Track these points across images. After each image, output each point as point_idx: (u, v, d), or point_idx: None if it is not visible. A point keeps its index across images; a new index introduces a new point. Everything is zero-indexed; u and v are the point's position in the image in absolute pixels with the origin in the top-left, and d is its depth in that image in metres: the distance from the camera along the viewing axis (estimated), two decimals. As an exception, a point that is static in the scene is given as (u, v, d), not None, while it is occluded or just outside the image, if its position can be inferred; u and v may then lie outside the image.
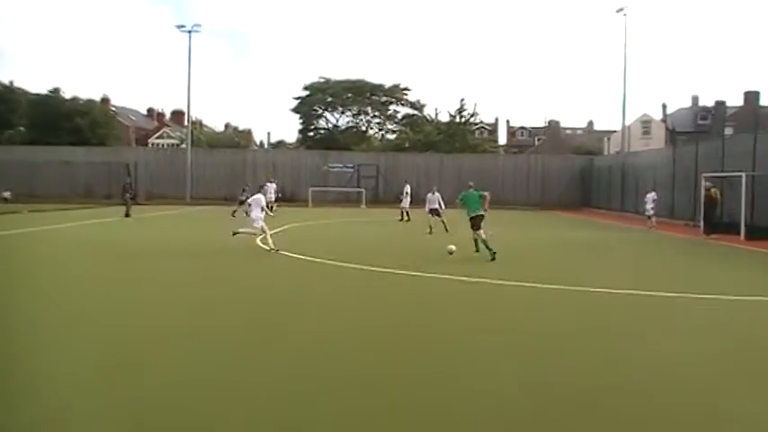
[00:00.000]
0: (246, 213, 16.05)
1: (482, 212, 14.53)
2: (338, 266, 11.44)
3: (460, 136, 54.34)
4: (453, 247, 13.94)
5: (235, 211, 26.64)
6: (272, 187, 28.62)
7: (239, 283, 9.56)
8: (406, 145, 55.26)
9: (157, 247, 14.57)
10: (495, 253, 13.38)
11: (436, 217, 20.93)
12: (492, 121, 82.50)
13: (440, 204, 21.46)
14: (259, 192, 15.74)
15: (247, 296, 8.48)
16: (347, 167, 46.20)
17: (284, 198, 29.71)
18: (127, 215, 26.36)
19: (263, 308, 7.89)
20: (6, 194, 40.78)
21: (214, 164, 45.76)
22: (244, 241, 14.88)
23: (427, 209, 21.64)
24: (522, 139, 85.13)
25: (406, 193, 26.65)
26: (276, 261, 12.06)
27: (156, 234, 18.69)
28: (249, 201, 15.17)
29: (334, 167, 46.25)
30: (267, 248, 13.91)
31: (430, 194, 22.10)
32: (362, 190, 43.65)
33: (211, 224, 22.06)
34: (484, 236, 14.00)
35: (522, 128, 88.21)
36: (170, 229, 20.50)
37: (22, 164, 43.43)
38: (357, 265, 11.45)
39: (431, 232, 19.52)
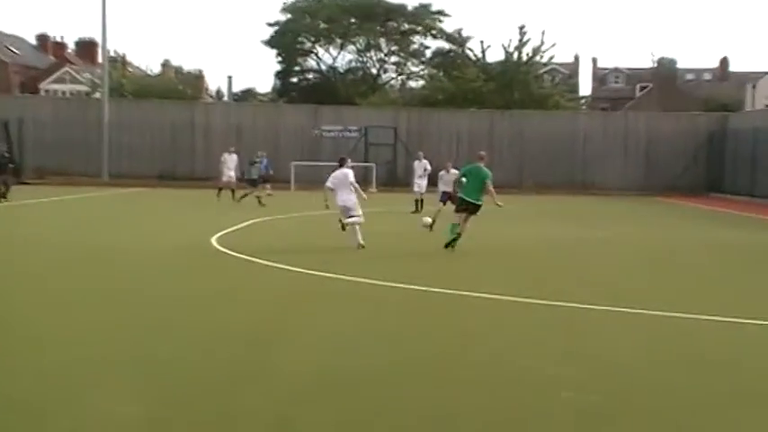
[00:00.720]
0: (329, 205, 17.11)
1: (481, 203, 16.13)
2: (334, 279, 12.23)
3: (521, 84, 54.19)
4: (429, 220, 15.77)
5: (244, 195, 28.26)
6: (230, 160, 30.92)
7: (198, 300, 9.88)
8: (439, 97, 55.15)
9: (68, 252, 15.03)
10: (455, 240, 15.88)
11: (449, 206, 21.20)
12: (570, 60, 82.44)
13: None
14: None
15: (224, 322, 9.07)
16: (349, 131, 46.67)
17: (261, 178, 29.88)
18: (2, 196, 27.79)
19: (240, 335, 8.49)
20: None
21: (145, 123, 46.22)
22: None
23: (440, 195, 22.20)
24: (617, 88, 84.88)
25: (425, 170, 27.94)
26: (253, 272, 12.91)
27: (56, 229, 19.38)
28: (330, 183, 16.82)
29: (329, 131, 46.72)
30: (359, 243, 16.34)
31: (444, 173, 22.72)
32: (372, 165, 43.79)
33: (161, 219, 22.95)
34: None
35: (616, 70, 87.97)
36: (79, 223, 21.23)
37: None
38: (363, 279, 12.11)
39: (431, 228, 20.18)
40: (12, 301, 10.09)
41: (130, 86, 57.27)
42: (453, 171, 21.97)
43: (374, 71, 68.36)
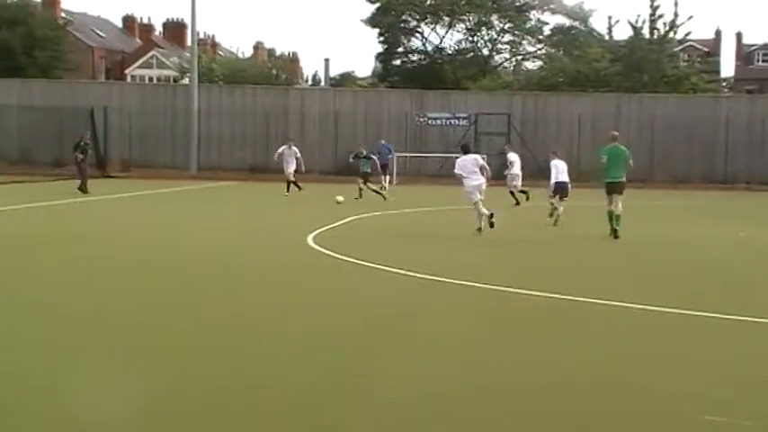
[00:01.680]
0: None
1: (625, 179, 18.61)
2: (444, 284, 12.10)
3: (652, 64, 53.14)
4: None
5: (361, 190, 28.80)
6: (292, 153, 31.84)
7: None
8: (559, 79, 54.53)
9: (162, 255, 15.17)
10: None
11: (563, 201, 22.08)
12: (709, 36, 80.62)
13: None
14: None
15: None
16: (457, 119, 46.65)
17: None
18: (82, 189, 28.87)
19: (337, 343, 8.47)
20: None
21: (236, 111, 47.15)
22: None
23: (552, 187, 22.15)
24: (766, 68, 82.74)
25: (510, 163, 29.19)
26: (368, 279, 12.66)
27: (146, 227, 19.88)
28: (458, 170, 18.91)
29: (434, 119, 46.77)
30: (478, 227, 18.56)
31: (556, 160, 22.91)
32: (484, 156, 43.13)
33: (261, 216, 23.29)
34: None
35: (764, 47, 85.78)
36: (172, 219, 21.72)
37: None
38: (481, 284, 12.01)
39: (556, 222, 21.25)
40: (112, 299, 10.31)
41: (220, 71, 58.57)
42: (561, 162, 22.70)
43: (485, 52, 68.18)
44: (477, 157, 19.53)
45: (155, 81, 64.44)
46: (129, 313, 9.56)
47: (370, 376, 7.17)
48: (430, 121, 46.76)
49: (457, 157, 19.62)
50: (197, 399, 6.35)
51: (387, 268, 13.24)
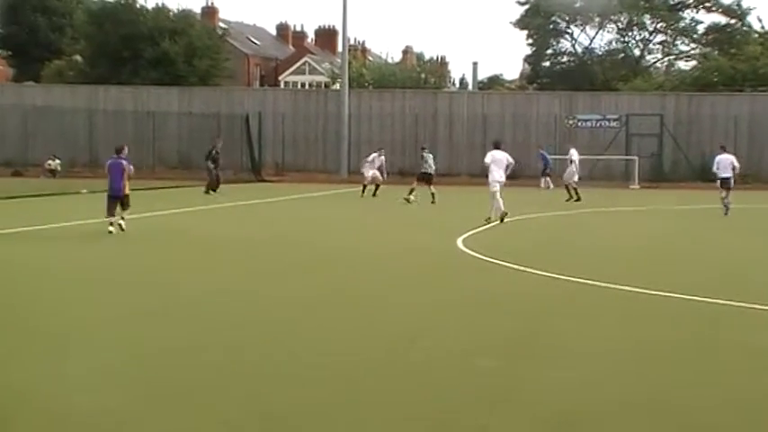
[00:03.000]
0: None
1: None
2: (601, 288, 11.77)
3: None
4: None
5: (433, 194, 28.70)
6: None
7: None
8: (714, 79, 52.93)
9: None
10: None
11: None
12: None
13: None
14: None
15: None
16: (607, 120, 46.30)
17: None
18: (212, 190, 30.81)
19: (498, 345, 8.39)
20: (53, 164, 43.32)
21: (385, 115, 47.82)
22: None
23: (720, 182, 24.82)
24: None
25: (571, 161, 31.82)
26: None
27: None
28: (489, 159, 21.54)
29: (584, 121, 46.42)
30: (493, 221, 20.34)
31: (724, 156, 25.31)
32: (634, 158, 43.11)
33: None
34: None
35: None
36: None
37: (77, 114, 46.84)
38: (638, 288, 11.62)
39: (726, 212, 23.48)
40: (261, 300, 10.48)
41: (370, 76, 59.47)
42: (731, 157, 25.12)
43: (636, 52, 66.93)
44: (508, 156, 21.73)
45: (307, 87, 65.68)
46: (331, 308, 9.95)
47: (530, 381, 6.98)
48: (579, 123, 46.42)
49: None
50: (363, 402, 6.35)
51: (543, 273, 12.91)
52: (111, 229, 17.04)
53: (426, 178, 29.00)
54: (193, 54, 54.86)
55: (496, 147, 22.06)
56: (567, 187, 30.66)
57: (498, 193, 21.01)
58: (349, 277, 12.73)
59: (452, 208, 26.61)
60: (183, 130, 47.31)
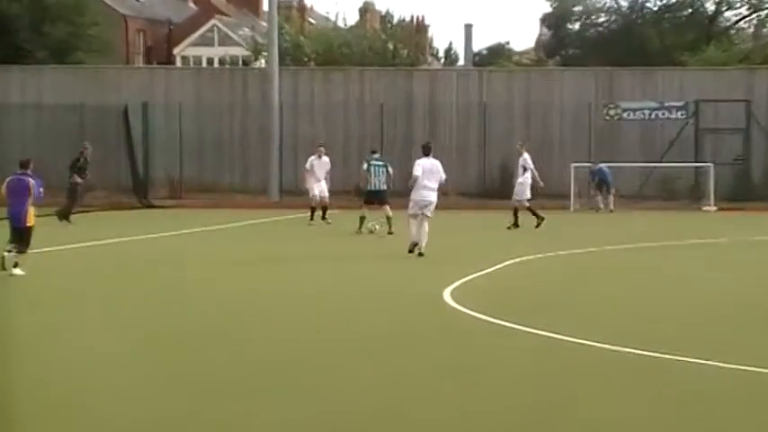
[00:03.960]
0: None
1: None
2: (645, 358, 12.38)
3: None
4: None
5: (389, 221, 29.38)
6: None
7: None
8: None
9: None
10: None
11: None
12: None
13: None
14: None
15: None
16: (668, 109, 46.30)
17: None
18: (63, 215, 31.44)
19: None
20: None
21: (336, 104, 47.56)
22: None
23: None
24: None
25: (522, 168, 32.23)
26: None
27: None
28: (418, 171, 23.00)
29: (632, 110, 46.59)
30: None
31: None
32: (708, 166, 43.49)
33: None
34: None
35: None
36: None
37: None
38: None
39: None
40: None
41: (312, 47, 59.03)
42: None
43: (710, 7, 67.68)
44: (438, 164, 23.62)
45: (216, 64, 65.27)
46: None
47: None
48: (625, 114, 46.45)
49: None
50: None
51: (551, 334, 13.61)
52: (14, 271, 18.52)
53: (375, 199, 29.85)
54: (43, 17, 54.05)
55: (426, 152, 23.89)
56: (515, 210, 31.34)
57: (413, 222, 23.31)
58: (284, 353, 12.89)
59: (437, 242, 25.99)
60: (28, 128, 46.98)
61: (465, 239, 27.47)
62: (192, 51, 70.35)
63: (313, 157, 33.50)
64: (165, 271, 21.75)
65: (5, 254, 18.35)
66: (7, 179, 19.31)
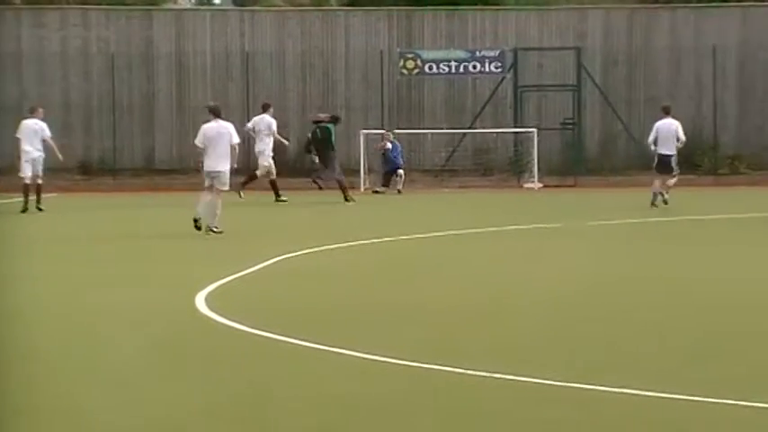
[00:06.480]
0: None
1: None
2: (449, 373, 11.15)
3: None
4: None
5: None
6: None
7: None
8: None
9: None
10: None
11: None
12: None
13: None
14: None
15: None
16: (480, 60, 44.53)
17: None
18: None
19: None
20: None
21: (43, 57, 44.68)
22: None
23: None
24: None
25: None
26: None
27: None
28: (199, 141, 23.54)
29: (435, 62, 44.81)
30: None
31: (667, 122, 29.76)
32: (530, 132, 42.62)
33: None
34: None
35: None
36: None
37: None
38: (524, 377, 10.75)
39: None
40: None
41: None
42: None
43: None
44: (231, 127, 23.33)
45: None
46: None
47: None
48: (426, 68, 44.50)
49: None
50: None
51: (338, 350, 12.02)
52: None
53: None
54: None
55: (215, 114, 23.56)
56: (271, 184, 32.49)
57: (205, 196, 23.03)
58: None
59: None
60: None
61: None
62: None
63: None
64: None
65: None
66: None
